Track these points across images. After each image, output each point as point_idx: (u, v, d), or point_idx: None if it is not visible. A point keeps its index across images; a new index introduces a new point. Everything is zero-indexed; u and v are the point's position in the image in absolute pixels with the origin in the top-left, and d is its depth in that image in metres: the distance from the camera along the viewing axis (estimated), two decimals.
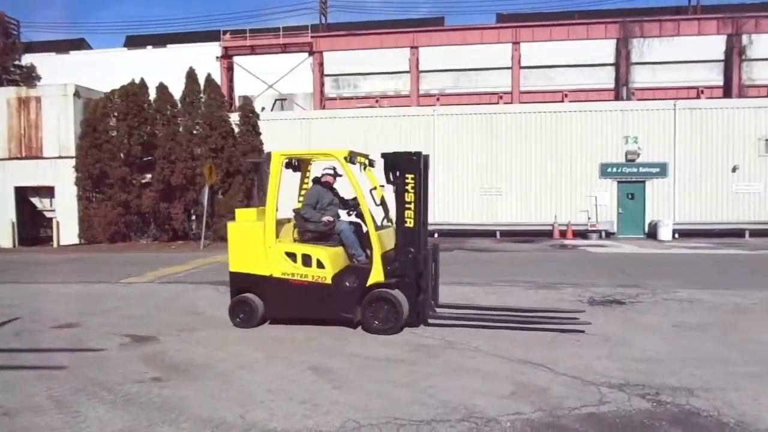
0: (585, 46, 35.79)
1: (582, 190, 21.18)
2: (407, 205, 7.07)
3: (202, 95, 21.43)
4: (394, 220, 7.30)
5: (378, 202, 7.48)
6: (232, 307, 7.54)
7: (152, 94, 21.46)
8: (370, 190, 7.63)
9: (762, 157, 20.68)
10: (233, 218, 7.87)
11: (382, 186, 7.39)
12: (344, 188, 7.78)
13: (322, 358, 6.04)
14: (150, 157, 20.84)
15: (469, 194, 21.68)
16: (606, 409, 4.57)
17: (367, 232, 7.34)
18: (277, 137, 22.47)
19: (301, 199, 8.25)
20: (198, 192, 19.94)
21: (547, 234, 20.80)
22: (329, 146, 8.20)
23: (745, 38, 33.53)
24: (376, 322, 7.00)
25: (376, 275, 7.08)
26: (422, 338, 6.80)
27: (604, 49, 35.33)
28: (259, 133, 21.41)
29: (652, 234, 20.63)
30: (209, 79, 21.83)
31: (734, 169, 20.73)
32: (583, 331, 6.91)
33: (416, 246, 7.07)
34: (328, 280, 7.17)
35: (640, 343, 6.50)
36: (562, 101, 34.16)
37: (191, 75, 21.51)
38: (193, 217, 20.84)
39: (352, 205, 7.88)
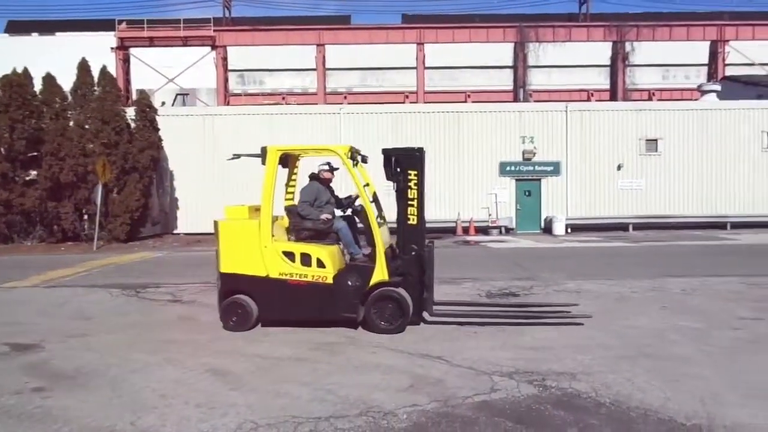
0: (486, 49, 37.22)
1: (483, 188, 22.01)
2: (410, 202, 6.98)
3: (95, 88, 20.19)
4: (394, 218, 7.12)
5: (371, 198, 7.30)
6: (225, 309, 7.14)
7: (39, 86, 19.94)
8: (363, 186, 7.38)
9: (642, 156, 22.42)
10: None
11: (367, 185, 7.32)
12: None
13: (222, 360, 5.91)
14: (36, 153, 19.38)
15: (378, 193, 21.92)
16: (497, 397, 4.81)
17: (363, 229, 7.22)
18: (178, 133, 21.64)
19: (289, 196, 7.97)
20: (90, 190, 18.79)
21: (451, 231, 21.44)
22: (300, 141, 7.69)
23: (628, 45, 36.22)
24: (382, 322, 6.86)
25: (380, 274, 6.91)
26: (325, 336, 6.82)
27: (504, 52, 36.94)
28: (158, 129, 20.50)
29: (547, 229, 21.81)
30: (104, 71, 20.62)
31: (619, 167, 22.33)
32: (582, 324, 7.07)
33: (419, 243, 7.01)
34: (329, 280, 6.93)
35: (531, 332, 6.87)
36: (466, 101, 35.37)
37: (83, 66, 20.21)
38: (86, 217, 19.61)
39: (347, 204, 7.71)
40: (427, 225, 7.57)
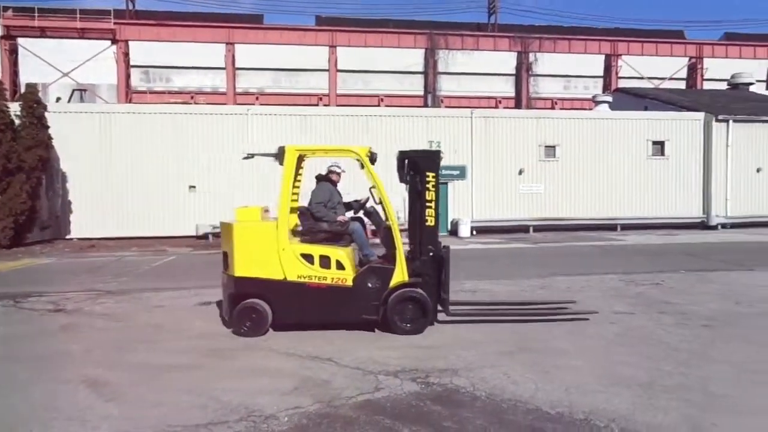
0: (398, 54, 37.86)
1: (392, 192, 22.23)
2: (428, 204, 7.07)
3: None
4: (403, 219, 7.23)
5: (377, 200, 7.29)
6: (238, 314, 6.86)
7: None
8: (370, 189, 7.39)
9: (542, 162, 23.57)
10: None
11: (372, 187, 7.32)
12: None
13: (101, 371, 5.67)
14: None
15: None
16: (380, 395, 4.93)
17: (382, 229, 7.30)
18: (71, 132, 20.43)
19: (294, 197, 7.58)
20: None
21: None
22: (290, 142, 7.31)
23: (531, 56, 38.01)
24: (405, 323, 6.86)
25: (400, 275, 6.93)
26: (218, 342, 6.70)
27: (415, 58, 37.73)
28: (47, 127, 19.19)
29: (454, 232, 22.43)
30: None
31: (520, 172, 23.35)
32: (587, 319, 7.45)
33: (435, 244, 7.06)
34: (349, 282, 6.89)
35: (427, 332, 7.03)
36: (378, 105, 35.78)
37: None
38: None
39: (358, 206, 7.66)
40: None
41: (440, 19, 42.93)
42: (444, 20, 41.83)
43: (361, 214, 7.76)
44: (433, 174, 7.10)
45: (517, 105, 37.54)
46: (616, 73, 38.78)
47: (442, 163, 22.76)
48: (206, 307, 8.70)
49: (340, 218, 7.37)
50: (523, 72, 38.28)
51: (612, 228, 23.48)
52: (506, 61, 38.73)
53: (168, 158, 21.13)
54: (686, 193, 24.22)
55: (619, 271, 11.89)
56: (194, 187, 21.25)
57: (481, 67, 38.47)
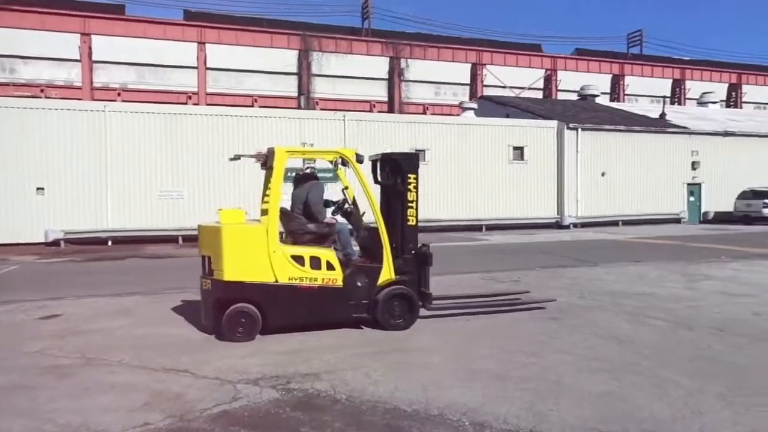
0: (271, 54, 37.29)
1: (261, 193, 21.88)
2: (410, 204, 7.29)
3: None
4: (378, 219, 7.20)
5: (351, 201, 7.48)
6: (229, 320, 6.60)
7: None
8: (343, 190, 7.54)
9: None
10: None
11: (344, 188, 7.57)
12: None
13: None
14: None
15: (147, 199, 20.46)
16: (237, 405, 4.75)
17: (362, 230, 7.48)
18: None
19: (267, 199, 7.15)
20: None
21: None
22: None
23: (403, 62, 39.09)
24: (396, 320, 7.08)
25: (387, 273, 7.11)
26: (55, 359, 6.12)
27: (289, 58, 37.36)
28: None
29: None
30: None
31: None
32: (544, 308, 8.23)
33: (416, 243, 7.32)
34: (339, 282, 6.94)
35: (288, 337, 6.94)
36: (253, 105, 34.96)
37: None
38: None
39: (335, 208, 7.64)
40: None
41: (315, 21, 42.84)
42: (318, 22, 41.78)
43: (338, 215, 7.71)
44: (414, 175, 7.35)
45: (390, 109, 38.46)
46: (482, 82, 41.01)
47: (315, 164, 22.80)
48: (50, 321, 7.95)
49: (328, 219, 7.34)
50: (395, 77, 39.29)
51: (478, 228, 24.76)
52: (379, 65, 39.53)
53: (11, 157, 19.14)
54: (543, 196, 26.16)
55: (482, 270, 12.53)
56: (42, 189, 19.42)
57: (354, 70, 38.95)
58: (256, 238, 6.71)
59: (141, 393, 5.04)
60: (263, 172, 7.70)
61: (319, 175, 22.54)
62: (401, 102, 39.28)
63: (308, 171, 7.86)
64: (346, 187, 7.66)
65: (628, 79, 45.44)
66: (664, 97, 43.33)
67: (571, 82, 42.09)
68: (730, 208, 28.15)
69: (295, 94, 37.93)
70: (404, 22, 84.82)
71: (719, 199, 28.86)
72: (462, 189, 25.06)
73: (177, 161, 20.91)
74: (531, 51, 44.85)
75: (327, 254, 6.99)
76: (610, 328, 7.26)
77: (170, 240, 20.27)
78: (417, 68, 39.97)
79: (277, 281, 6.74)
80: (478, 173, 25.28)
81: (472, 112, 30.35)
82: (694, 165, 28.98)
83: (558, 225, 25.77)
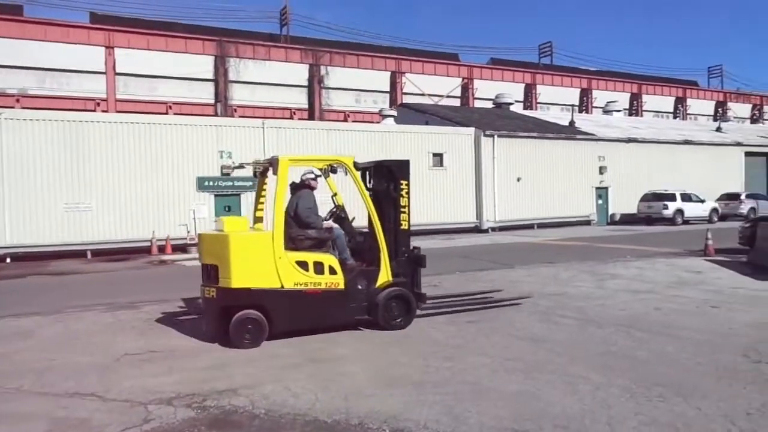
0: (186, 60, 36.09)
1: (181, 204, 21.12)
2: (402, 209, 7.66)
3: None
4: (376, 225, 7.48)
5: (340, 207, 7.88)
6: (236, 327, 6.70)
7: None
8: (332, 197, 7.93)
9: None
10: None
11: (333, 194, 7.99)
12: None
13: None
14: None
15: (50, 211, 19.20)
16: (149, 427, 4.53)
17: (356, 234, 7.81)
18: None
19: (261, 206, 7.95)
20: None
21: (146, 250, 20.04)
22: None
23: (323, 69, 38.98)
24: (396, 320, 7.43)
25: (385, 276, 7.41)
26: None
27: (204, 64, 36.33)
28: None
29: None
30: None
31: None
32: (520, 304, 8.90)
33: (408, 246, 7.74)
34: (342, 286, 7.17)
35: (209, 352, 6.71)
36: (167, 113, 33.70)
37: None
38: None
39: (329, 214, 7.87)
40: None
41: (232, 26, 42.01)
42: (236, 28, 41.01)
43: (331, 221, 7.95)
44: (406, 182, 7.70)
45: (311, 116, 38.22)
46: (401, 89, 41.56)
47: (234, 173, 22.16)
48: None
49: (326, 225, 7.59)
50: (315, 84, 39.10)
51: None
52: (299, 72, 39.23)
53: None
54: (462, 201, 26.78)
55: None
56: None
57: (273, 77, 38.43)
58: (263, 245, 6.90)
59: (40, 422, 4.70)
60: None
61: (237, 184, 21.99)
62: (321, 109, 39.13)
63: (311, 177, 7.93)
64: (335, 194, 8.06)
65: (540, 88, 47.45)
66: (573, 105, 45.65)
67: (486, 90, 43.45)
68: (634, 210, 29.94)
69: (212, 101, 36.93)
70: (324, 29, 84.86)
71: (624, 201, 30.62)
72: None
73: (83, 172, 19.76)
74: (449, 60, 45.95)
75: (329, 259, 7.24)
76: (525, 329, 7.52)
77: (78, 255, 19.13)
78: (337, 76, 39.97)
79: (283, 287, 6.91)
80: None
81: (392, 119, 30.67)
82: (601, 170, 30.61)
83: (477, 229, 26.46)
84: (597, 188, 30.64)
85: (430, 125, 28.66)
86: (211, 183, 21.80)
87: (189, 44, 36.06)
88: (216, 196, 21.94)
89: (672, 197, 28.65)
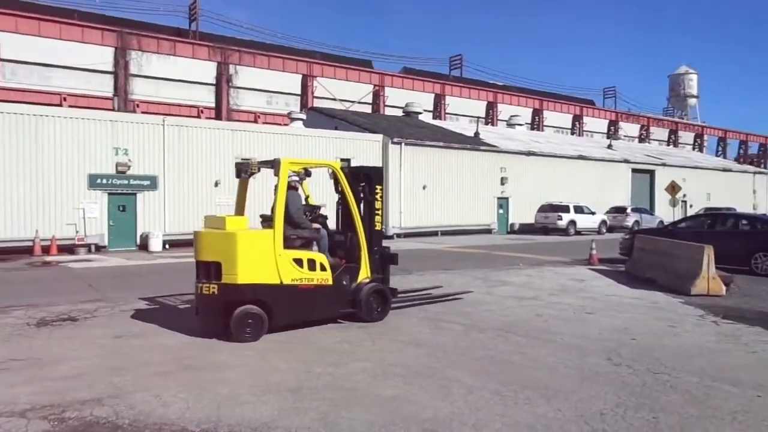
0: (83, 50, 34.05)
1: (70, 202, 19.81)
2: (377, 211, 8.43)
3: None
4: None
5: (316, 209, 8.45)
6: (238, 322, 7.00)
7: None
8: (306, 197, 8.56)
9: None
10: None
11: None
12: None
13: None
14: None
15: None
16: None
17: (334, 234, 8.40)
18: None
19: (243, 206, 8.57)
20: None
21: (28, 251, 18.61)
22: None
23: (231, 68, 38.04)
24: (376, 312, 8.15)
25: (364, 272, 8.14)
26: None
27: (103, 56, 34.41)
28: None
29: (144, 246, 20.93)
30: None
31: (216, 184, 23.04)
32: (461, 299, 10.04)
33: (381, 245, 8.48)
34: (330, 281, 7.71)
35: (77, 360, 6.29)
36: (61, 104, 31.55)
37: None
38: None
39: (314, 215, 8.39)
40: None
41: (136, 18, 40.02)
42: (141, 20, 39.13)
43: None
44: (381, 186, 8.51)
45: (218, 116, 37.15)
46: (312, 93, 41.32)
47: (130, 171, 21.19)
48: None
49: (315, 225, 8.08)
50: (223, 83, 38.06)
51: None
52: (206, 70, 38.05)
53: None
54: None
55: None
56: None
57: (179, 73, 37.03)
58: (266, 242, 7.28)
59: None
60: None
61: (133, 183, 20.94)
62: (230, 109, 38.11)
63: (295, 179, 8.20)
64: (308, 197, 8.79)
65: (449, 99, 48.76)
66: (479, 117, 47.34)
67: (397, 98, 44.09)
68: (532, 220, 31.41)
69: (109, 95, 34.99)
70: (236, 28, 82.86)
71: (523, 211, 32.07)
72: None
73: None
74: (361, 66, 46.24)
75: (320, 257, 7.79)
76: (412, 334, 7.65)
77: None
78: (247, 76, 39.11)
79: (282, 282, 7.31)
80: (306, 184, 25.31)
81: (300, 122, 30.40)
82: (503, 180, 31.90)
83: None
84: (498, 198, 31.86)
85: (340, 130, 28.68)
86: (104, 181, 20.60)
87: (86, 33, 34.04)
88: (110, 194, 20.75)
89: (566, 209, 30.31)
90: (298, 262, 7.49)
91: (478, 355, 6.64)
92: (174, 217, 21.96)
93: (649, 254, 13.48)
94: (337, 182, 8.30)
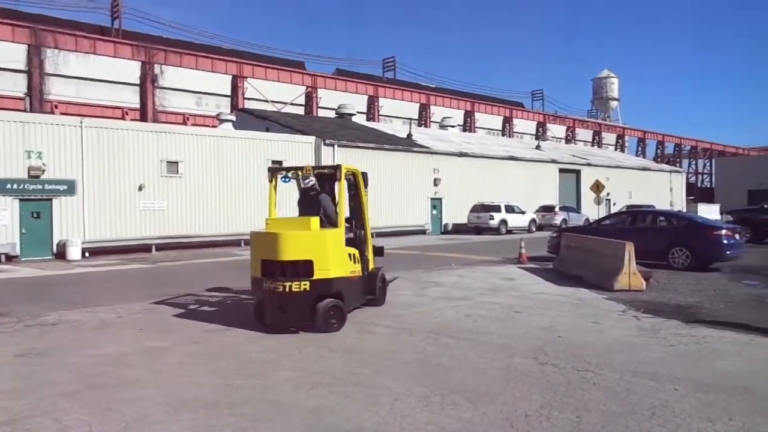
0: None
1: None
2: (365, 213, 9.37)
3: None
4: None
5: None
6: (325, 313, 7.67)
7: None
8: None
9: (164, 177, 22.75)
10: None
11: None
12: None
13: None
14: None
15: None
16: None
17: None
18: None
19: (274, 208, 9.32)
20: None
21: None
22: None
23: (157, 68, 36.62)
24: (384, 297, 9.67)
25: (372, 264, 9.33)
26: None
27: (15, 53, 32.33)
28: None
29: (61, 254, 19.77)
30: None
31: (141, 188, 22.06)
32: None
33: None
34: (361, 273, 8.73)
35: None
36: None
37: None
38: None
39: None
40: None
41: (56, 14, 37.78)
42: (60, 17, 37.07)
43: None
44: (366, 189, 9.41)
45: (143, 117, 35.67)
46: (243, 94, 40.40)
47: (45, 176, 20.07)
48: None
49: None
50: (148, 83, 36.59)
51: (237, 243, 24.11)
52: (130, 70, 36.47)
53: None
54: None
55: (226, 286, 12.08)
56: None
57: (101, 73, 35.32)
58: (341, 240, 8.18)
59: None
60: None
61: (48, 188, 19.82)
62: (156, 110, 36.66)
63: (311, 186, 8.86)
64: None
65: (382, 101, 48.87)
66: (413, 119, 47.67)
67: (331, 100, 43.76)
68: (465, 220, 31.86)
69: (20, 95, 32.88)
70: (162, 26, 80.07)
71: (457, 212, 32.50)
72: (220, 203, 24.22)
73: None
74: (294, 68, 45.62)
75: (355, 251, 8.61)
76: (340, 339, 7.44)
77: None
78: (174, 76, 37.76)
79: (348, 274, 8.19)
80: (236, 187, 24.68)
81: (230, 124, 29.58)
82: (436, 181, 32.22)
83: None
84: (432, 199, 32.16)
85: (271, 132, 28.13)
86: (15, 186, 19.31)
87: None
88: (21, 200, 19.48)
89: (497, 209, 30.93)
90: (351, 256, 8.47)
91: (406, 359, 6.52)
92: (95, 223, 20.88)
93: (574, 252, 13.84)
94: (351, 186, 9.31)
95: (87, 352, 6.88)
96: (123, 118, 33.08)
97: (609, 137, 72.38)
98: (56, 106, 33.14)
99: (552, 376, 5.81)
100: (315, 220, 8.09)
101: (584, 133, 68.91)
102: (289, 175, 9.45)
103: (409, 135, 34.09)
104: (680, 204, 50.27)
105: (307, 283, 7.61)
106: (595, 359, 6.37)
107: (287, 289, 7.61)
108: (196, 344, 7.21)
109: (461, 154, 34.36)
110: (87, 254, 20.17)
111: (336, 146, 27.73)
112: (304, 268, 7.65)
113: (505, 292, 11.13)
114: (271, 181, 9.08)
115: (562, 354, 6.60)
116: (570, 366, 6.12)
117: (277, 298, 7.72)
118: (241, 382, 5.64)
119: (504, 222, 30.79)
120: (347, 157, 27.99)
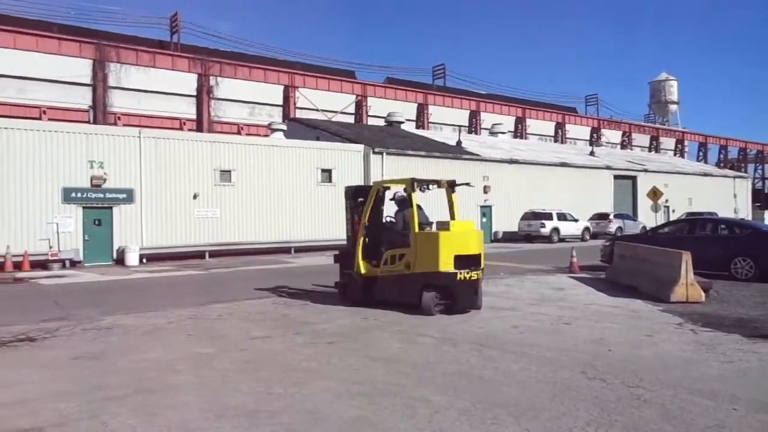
0: (60, 62, 33.63)
1: (43, 217, 19.39)
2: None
3: None
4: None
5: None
6: (429, 301, 9.54)
7: None
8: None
9: (218, 186, 23.36)
10: None
11: None
12: None
13: None
14: None
15: None
16: None
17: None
18: None
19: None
20: None
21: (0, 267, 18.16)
22: None
23: (212, 80, 37.73)
24: None
25: None
26: None
27: (81, 68, 33.98)
28: None
29: (120, 260, 20.55)
30: None
31: (195, 196, 22.71)
32: None
33: None
34: None
35: (23, 384, 5.98)
36: (40, 118, 31.06)
37: None
38: None
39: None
40: None
41: (118, 30, 39.56)
42: (121, 33, 38.74)
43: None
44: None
45: (199, 127, 36.80)
46: (294, 104, 41.11)
47: (106, 185, 20.76)
48: None
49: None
50: (204, 94, 37.76)
51: (287, 251, 24.48)
52: (187, 82, 37.72)
53: None
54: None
55: (271, 294, 12.23)
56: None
57: (160, 85, 36.69)
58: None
59: None
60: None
61: (109, 196, 20.43)
62: (210, 120, 37.78)
63: (401, 197, 10.97)
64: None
65: (431, 108, 48.79)
66: (462, 126, 47.36)
67: (380, 108, 44.00)
68: (515, 228, 31.32)
69: (85, 107, 34.47)
70: (218, 39, 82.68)
71: (507, 219, 31.98)
72: (270, 211, 24.66)
73: None
74: (344, 77, 46.14)
75: None
76: (383, 348, 7.39)
77: None
78: (228, 87, 38.84)
79: (439, 270, 9.52)
80: (286, 195, 25.08)
81: (281, 133, 30.17)
82: (486, 189, 31.82)
83: None
84: (482, 207, 31.76)
85: (321, 141, 28.47)
86: (79, 194, 20.21)
87: (63, 46, 33.63)
88: (84, 208, 20.37)
89: (549, 216, 30.28)
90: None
91: (448, 370, 6.40)
92: (151, 230, 21.60)
93: (628, 261, 13.36)
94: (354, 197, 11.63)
95: (137, 357, 7.07)
96: (180, 129, 34.24)
97: (668, 142, 69.88)
98: (119, 118, 34.60)
99: (600, 391, 5.58)
100: (473, 224, 11.06)
101: (641, 139, 66.78)
102: (431, 186, 11.05)
103: (459, 142, 33.84)
104: (745, 211, 47.94)
105: (479, 272, 9.86)
106: (648, 375, 6.08)
107: (469, 278, 9.60)
108: (241, 351, 7.31)
109: (511, 161, 33.85)
110: (144, 260, 20.87)
111: (384, 154, 27.81)
112: (475, 261, 9.79)
113: (555, 303, 10.84)
114: (413, 191, 10.27)
115: (613, 368, 6.34)
116: (620, 381, 5.87)
117: (472, 285, 9.67)
118: (282, 391, 5.66)
119: (556, 230, 30.12)
120: (396, 166, 28.03)
